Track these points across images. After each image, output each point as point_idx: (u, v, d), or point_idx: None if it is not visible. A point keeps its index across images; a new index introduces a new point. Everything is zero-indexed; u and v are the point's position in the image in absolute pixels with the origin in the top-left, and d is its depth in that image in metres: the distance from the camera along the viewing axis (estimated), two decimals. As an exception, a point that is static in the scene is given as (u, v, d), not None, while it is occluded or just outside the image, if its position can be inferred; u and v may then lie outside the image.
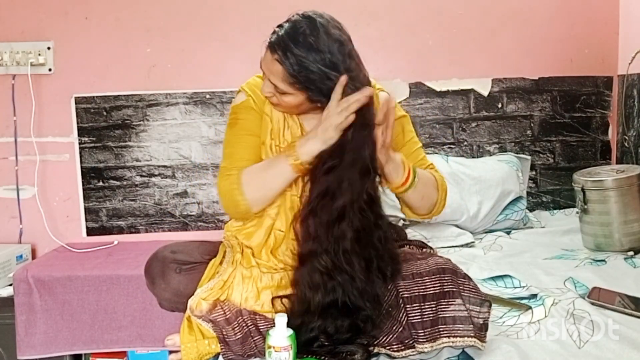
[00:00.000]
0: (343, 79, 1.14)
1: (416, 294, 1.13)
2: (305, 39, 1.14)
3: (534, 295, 1.45)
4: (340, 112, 1.14)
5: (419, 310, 1.13)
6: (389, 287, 1.16)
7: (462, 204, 2.10)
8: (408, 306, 1.13)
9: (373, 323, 1.15)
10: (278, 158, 1.24)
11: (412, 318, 1.12)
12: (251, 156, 1.31)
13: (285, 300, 1.23)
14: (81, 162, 2.35)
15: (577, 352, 1.17)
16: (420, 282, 1.14)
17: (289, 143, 1.28)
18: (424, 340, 1.12)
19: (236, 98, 1.39)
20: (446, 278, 1.14)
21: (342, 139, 1.17)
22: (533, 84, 2.43)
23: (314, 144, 1.18)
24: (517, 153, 2.39)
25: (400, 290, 1.14)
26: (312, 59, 1.13)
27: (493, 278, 1.61)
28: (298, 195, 1.30)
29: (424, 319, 1.12)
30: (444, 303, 1.12)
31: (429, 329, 1.12)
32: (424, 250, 1.40)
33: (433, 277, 1.14)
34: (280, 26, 1.18)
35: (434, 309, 1.13)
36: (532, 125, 2.44)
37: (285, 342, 1.07)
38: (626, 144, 2.37)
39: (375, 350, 1.16)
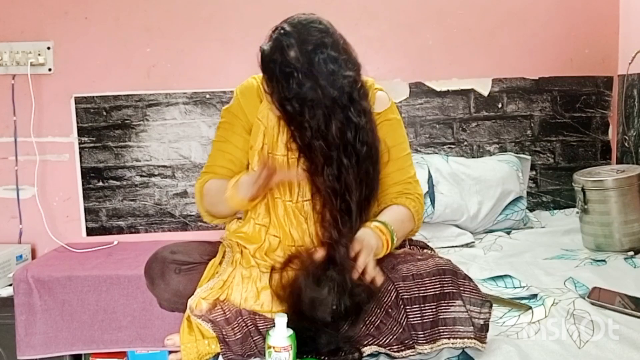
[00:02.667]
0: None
1: (416, 295, 1.13)
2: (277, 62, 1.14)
3: (534, 296, 1.45)
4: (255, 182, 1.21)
5: (419, 311, 1.12)
6: (389, 287, 1.16)
7: (462, 204, 2.10)
8: (408, 307, 1.13)
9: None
10: (224, 196, 1.30)
11: (412, 319, 1.12)
12: (225, 164, 1.39)
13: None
14: (81, 162, 2.35)
15: (577, 352, 1.17)
16: (420, 283, 1.14)
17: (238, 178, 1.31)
18: (424, 341, 1.12)
19: (231, 101, 1.43)
20: (446, 279, 1.14)
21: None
22: (533, 84, 2.43)
23: (241, 192, 1.26)
24: (517, 153, 2.39)
25: (400, 291, 1.14)
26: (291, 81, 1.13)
27: (493, 278, 1.61)
28: (294, 202, 1.31)
29: (424, 320, 1.12)
30: (444, 304, 1.12)
31: (429, 330, 1.12)
32: (425, 251, 1.40)
33: (433, 278, 1.14)
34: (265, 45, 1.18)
35: (434, 310, 1.12)
36: (532, 125, 2.44)
37: (285, 342, 1.07)
38: (626, 144, 2.37)
39: (375, 351, 1.16)
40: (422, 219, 1.39)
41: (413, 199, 1.36)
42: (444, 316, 1.12)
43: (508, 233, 2.11)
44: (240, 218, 1.46)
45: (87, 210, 2.37)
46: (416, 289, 1.13)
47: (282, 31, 1.16)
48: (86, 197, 2.36)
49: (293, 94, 1.13)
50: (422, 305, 1.13)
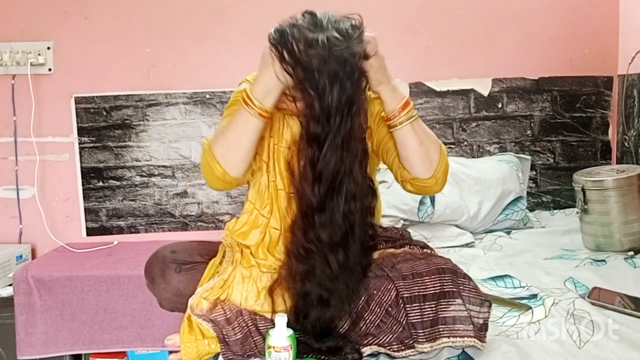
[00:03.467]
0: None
1: (416, 294, 1.13)
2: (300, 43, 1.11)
3: (534, 295, 1.46)
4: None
5: (419, 310, 1.13)
6: (389, 286, 1.16)
7: (462, 204, 2.10)
8: (408, 306, 1.13)
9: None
10: (239, 109, 1.19)
11: (412, 318, 1.12)
12: None
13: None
14: (81, 162, 2.35)
15: (577, 352, 1.17)
16: (420, 282, 1.14)
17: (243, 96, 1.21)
18: (424, 340, 1.12)
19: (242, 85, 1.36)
20: (446, 278, 1.14)
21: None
22: (533, 84, 2.43)
23: (267, 77, 1.14)
24: (517, 153, 2.39)
25: (400, 290, 1.14)
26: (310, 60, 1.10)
27: (493, 278, 1.61)
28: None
29: (424, 319, 1.12)
30: (444, 303, 1.12)
31: (429, 329, 1.12)
32: (424, 250, 1.40)
33: (433, 277, 1.14)
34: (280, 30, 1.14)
35: (434, 309, 1.13)
36: (532, 125, 2.44)
37: (285, 342, 1.07)
38: (626, 144, 2.37)
39: (375, 350, 1.16)
40: (446, 161, 1.26)
41: None
42: (444, 315, 1.12)
43: (508, 233, 2.11)
44: (239, 217, 1.45)
45: (87, 210, 2.37)
46: (416, 288, 1.14)
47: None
48: (86, 197, 2.36)
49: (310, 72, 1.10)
50: (422, 304, 1.13)
